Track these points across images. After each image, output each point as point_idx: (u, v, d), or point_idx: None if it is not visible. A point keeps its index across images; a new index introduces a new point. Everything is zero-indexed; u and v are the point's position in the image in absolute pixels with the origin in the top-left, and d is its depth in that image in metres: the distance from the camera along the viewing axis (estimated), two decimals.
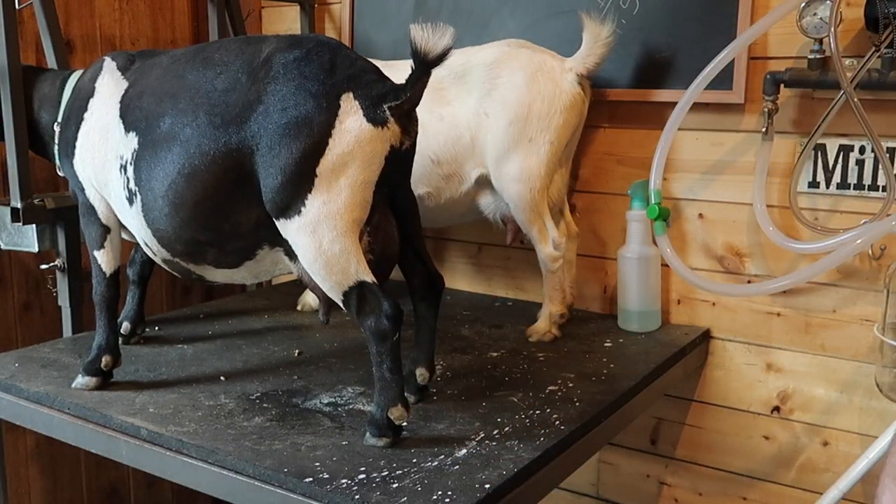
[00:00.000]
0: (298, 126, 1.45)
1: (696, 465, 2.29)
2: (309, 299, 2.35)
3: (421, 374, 1.68)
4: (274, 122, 1.47)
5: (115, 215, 1.77)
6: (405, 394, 1.52)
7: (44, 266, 2.24)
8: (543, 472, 1.48)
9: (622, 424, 1.84)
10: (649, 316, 2.18)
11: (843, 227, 1.97)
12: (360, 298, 1.48)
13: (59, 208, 2.11)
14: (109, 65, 1.79)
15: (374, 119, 1.46)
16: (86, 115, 1.76)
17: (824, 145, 2.01)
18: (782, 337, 2.12)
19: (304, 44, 1.53)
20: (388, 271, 1.61)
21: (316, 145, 1.45)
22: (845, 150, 1.99)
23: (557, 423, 1.60)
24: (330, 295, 1.52)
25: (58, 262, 2.17)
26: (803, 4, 1.88)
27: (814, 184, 2.03)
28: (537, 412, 1.65)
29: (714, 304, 2.20)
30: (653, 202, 2.08)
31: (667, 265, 2.13)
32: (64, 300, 2.20)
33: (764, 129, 2.01)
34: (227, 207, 1.56)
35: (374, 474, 1.39)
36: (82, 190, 1.78)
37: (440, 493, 1.33)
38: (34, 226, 2.10)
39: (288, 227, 1.50)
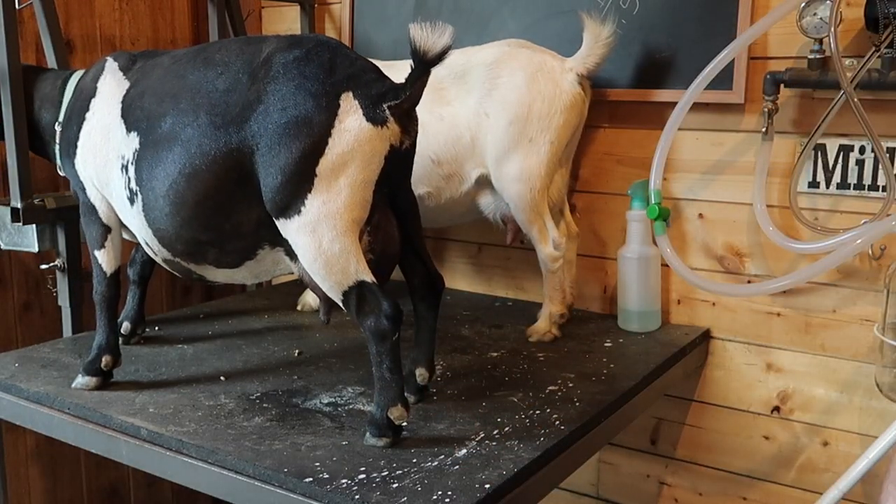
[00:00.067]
0: (298, 125, 1.45)
1: (696, 465, 2.29)
2: (309, 299, 2.35)
3: (421, 374, 1.68)
4: (274, 121, 1.47)
5: (116, 215, 1.77)
6: (405, 394, 1.52)
7: (44, 266, 2.24)
8: (543, 472, 1.48)
9: (622, 424, 1.84)
10: (649, 316, 2.18)
11: (843, 227, 1.97)
12: (360, 298, 1.48)
13: (60, 208, 2.11)
14: (111, 65, 1.79)
15: (374, 118, 1.46)
16: (87, 115, 1.76)
17: (824, 145, 2.01)
18: (782, 337, 2.12)
19: (304, 44, 1.53)
20: (389, 271, 1.61)
21: (315, 145, 1.45)
22: (845, 150, 1.99)
23: (557, 423, 1.60)
24: (329, 295, 1.52)
25: (58, 262, 2.17)
26: (803, 4, 1.88)
27: (814, 184, 2.03)
28: (537, 412, 1.65)
29: (714, 304, 2.20)
30: (653, 202, 2.08)
31: (667, 265, 2.13)
32: (64, 300, 2.20)
33: (764, 129, 2.01)
34: (228, 207, 1.56)
35: (374, 474, 1.39)
36: (83, 190, 1.78)
37: (440, 493, 1.33)
38: (34, 226, 2.10)
39: (288, 227, 1.50)
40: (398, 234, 1.59)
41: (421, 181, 2.04)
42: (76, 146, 1.77)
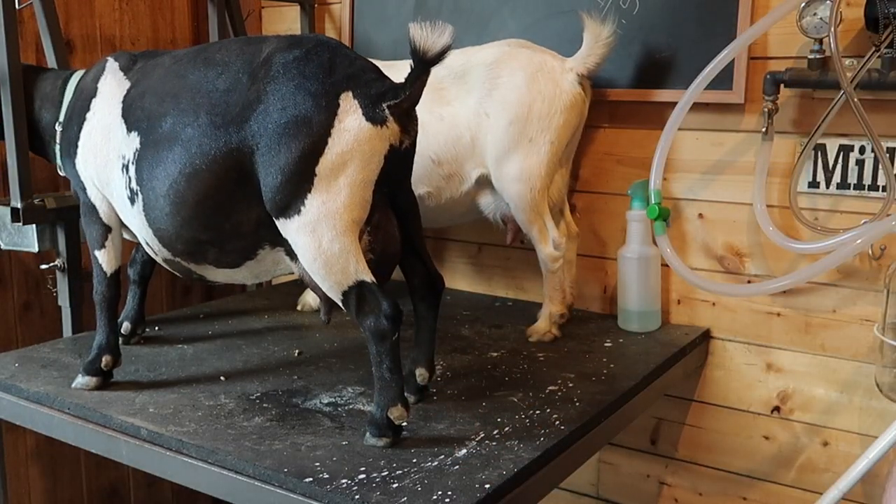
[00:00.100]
0: (298, 125, 1.45)
1: (696, 465, 2.29)
2: (309, 299, 2.35)
3: (421, 374, 1.68)
4: (273, 121, 1.47)
5: (117, 215, 1.77)
6: (405, 394, 1.52)
7: (44, 266, 2.24)
8: (543, 472, 1.48)
9: (622, 424, 1.84)
10: (649, 316, 2.18)
11: (843, 227, 1.97)
12: (360, 298, 1.48)
13: (60, 208, 2.11)
14: (112, 65, 1.79)
15: (374, 118, 1.46)
16: (88, 116, 1.76)
17: (824, 145, 2.01)
18: (782, 337, 2.12)
19: (303, 44, 1.53)
20: (390, 271, 1.61)
21: (315, 144, 1.45)
22: (845, 150, 1.99)
23: (557, 423, 1.60)
24: (329, 294, 1.52)
25: (58, 262, 2.17)
26: (803, 4, 1.88)
27: (814, 184, 2.03)
28: (537, 412, 1.65)
29: (714, 304, 2.20)
30: (653, 202, 2.08)
31: (667, 265, 2.13)
32: (64, 300, 2.20)
33: (764, 129, 2.01)
34: (228, 207, 1.56)
35: (374, 474, 1.39)
36: (84, 190, 1.78)
37: (440, 493, 1.33)
38: (34, 226, 2.10)
39: (288, 227, 1.50)
40: (398, 234, 1.59)
41: (421, 181, 2.04)
42: (77, 146, 1.77)
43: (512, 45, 2.07)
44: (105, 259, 1.80)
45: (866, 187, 1.97)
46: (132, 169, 1.65)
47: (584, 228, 2.32)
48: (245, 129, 1.50)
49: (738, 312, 2.17)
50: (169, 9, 2.69)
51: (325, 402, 1.70)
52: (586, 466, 2.39)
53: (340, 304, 1.52)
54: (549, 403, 1.70)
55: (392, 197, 1.57)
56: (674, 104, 2.04)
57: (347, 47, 1.58)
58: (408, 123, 1.52)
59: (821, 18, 1.87)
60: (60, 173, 1.89)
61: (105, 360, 1.76)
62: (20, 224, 2.04)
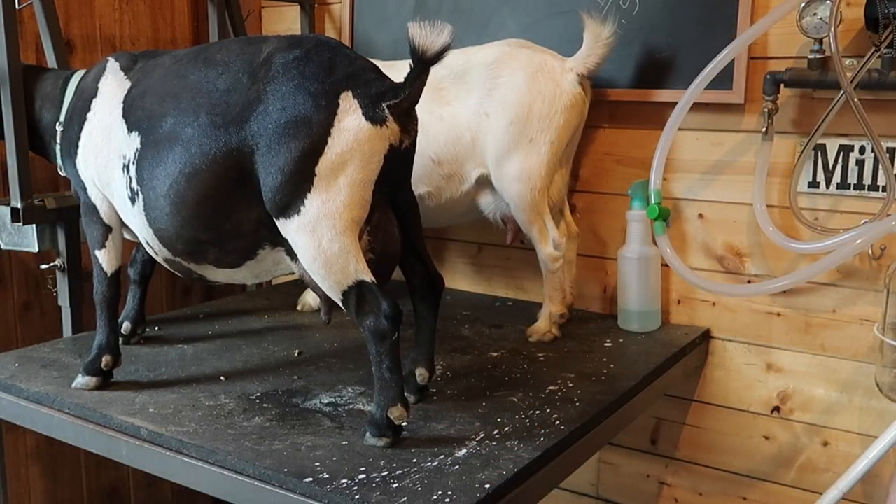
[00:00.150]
0: (297, 125, 1.45)
1: (696, 465, 2.29)
2: (309, 299, 2.35)
3: (421, 374, 1.68)
4: (273, 121, 1.47)
5: (118, 215, 1.77)
6: (405, 394, 1.52)
7: (44, 266, 2.24)
8: (543, 472, 1.48)
9: (622, 424, 1.84)
10: (649, 316, 2.18)
11: (843, 227, 1.97)
12: (359, 298, 1.48)
13: (60, 208, 2.11)
14: (113, 65, 1.80)
15: (373, 117, 1.46)
16: (89, 115, 1.76)
17: (824, 145, 2.01)
18: (782, 337, 2.12)
19: (303, 44, 1.53)
20: (390, 271, 1.61)
21: (315, 144, 1.45)
22: (845, 150, 1.99)
23: (557, 423, 1.60)
24: (329, 294, 1.52)
25: (58, 262, 2.17)
26: (803, 4, 1.88)
27: (814, 184, 2.03)
28: (537, 412, 1.65)
29: (714, 304, 2.20)
30: (653, 202, 2.08)
31: (667, 265, 2.13)
32: (64, 300, 2.20)
33: (764, 129, 2.01)
34: (228, 207, 1.56)
35: (374, 474, 1.39)
36: (84, 189, 1.78)
37: (440, 493, 1.33)
38: (34, 226, 2.10)
39: (288, 227, 1.50)
40: (398, 234, 1.59)
41: (421, 181, 2.04)
42: (77, 146, 1.77)
43: (512, 45, 2.07)
44: (105, 259, 1.80)
45: (866, 187, 1.97)
46: (133, 169, 1.65)
47: (584, 228, 2.32)
48: (245, 129, 1.50)
49: (738, 312, 2.17)
50: (169, 9, 2.69)
51: (325, 402, 1.70)
52: (586, 466, 2.39)
53: (340, 304, 1.52)
54: (549, 403, 1.70)
55: (392, 197, 1.57)
56: (674, 104, 2.04)
57: (347, 47, 1.58)
58: (408, 123, 1.52)
59: (821, 18, 1.87)
60: (61, 173, 1.89)
61: (105, 360, 1.76)
62: (20, 224, 2.04)
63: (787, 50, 2.02)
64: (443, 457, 1.46)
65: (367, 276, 1.47)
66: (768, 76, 1.99)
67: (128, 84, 1.74)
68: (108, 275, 1.80)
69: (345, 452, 1.47)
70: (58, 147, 1.86)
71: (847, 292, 2.03)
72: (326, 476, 1.38)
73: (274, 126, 1.47)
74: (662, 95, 2.15)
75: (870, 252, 1.96)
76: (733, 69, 2.04)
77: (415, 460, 1.44)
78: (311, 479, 1.37)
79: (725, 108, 2.11)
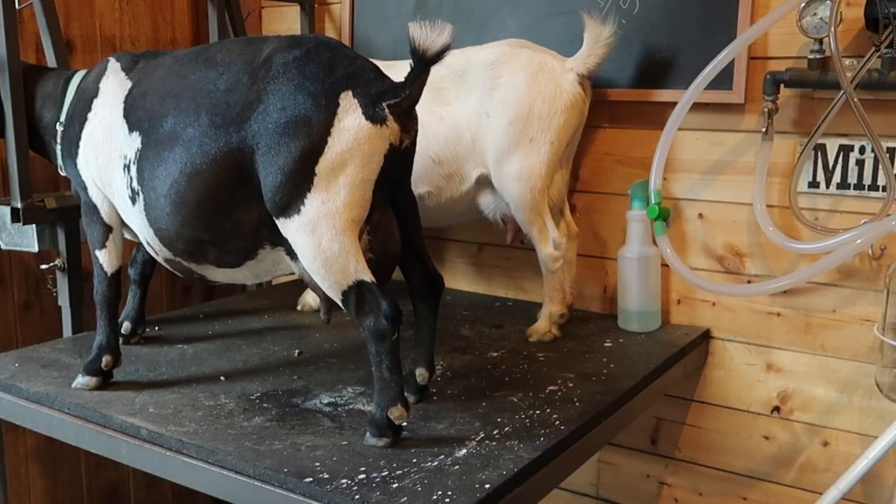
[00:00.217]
0: (297, 125, 1.45)
1: (696, 465, 2.29)
2: (309, 299, 2.35)
3: (421, 374, 1.68)
4: (273, 121, 1.47)
5: (118, 215, 1.78)
6: (405, 394, 1.52)
7: (44, 266, 2.24)
8: (543, 472, 1.48)
9: (622, 424, 1.84)
10: (649, 316, 2.18)
11: (843, 227, 1.97)
12: (359, 298, 1.48)
13: (60, 208, 2.11)
14: (114, 65, 1.80)
15: (373, 117, 1.46)
16: (89, 115, 1.76)
17: (824, 145, 2.01)
18: (782, 337, 2.12)
19: (304, 44, 1.53)
20: (390, 271, 1.61)
21: (315, 144, 1.45)
22: (845, 150, 1.99)
23: (557, 423, 1.60)
24: (329, 294, 1.52)
25: (58, 262, 2.17)
26: (803, 4, 1.88)
27: (814, 184, 2.03)
28: (537, 412, 1.65)
29: (714, 304, 2.20)
30: (653, 202, 2.08)
31: (667, 265, 2.13)
32: (64, 300, 2.20)
33: (764, 129, 2.01)
34: (229, 207, 1.56)
35: (374, 474, 1.39)
36: (85, 189, 1.78)
37: (440, 493, 1.33)
38: (34, 226, 2.10)
39: (288, 226, 1.50)
40: (398, 234, 1.59)
41: (421, 181, 2.04)
42: (78, 146, 1.77)
43: (512, 45, 2.07)
44: (106, 259, 1.80)
45: (866, 187, 1.97)
46: (133, 169, 1.65)
47: (584, 228, 2.32)
48: (245, 128, 1.50)
49: (738, 312, 2.17)
50: (169, 9, 2.69)
51: (325, 402, 1.70)
52: (586, 466, 2.39)
53: (340, 304, 1.52)
54: (549, 403, 1.70)
55: (392, 196, 1.57)
56: (674, 104, 2.04)
57: (347, 47, 1.58)
58: (408, 123, 1.52)
59: (821, 18, 1.87)
60: (61, 173, 1.89)
61: (105, 359, 1.76)
62: (20, 224, 2.04)
63: (787, 50, 2.02)
64: (443, 457, 1.46)
65: (367, 276, 1.47)
66: (768, 76, 1.99)
67: (129, 84, 1.74)
68: (109, 275, 1.80)
69: (345, 452, 1.47)
70: (58, 147, 1.86)
71: (847, 292, 2.03)
72: (326, 476, 1.38)
73: (274, 126, 1.47)
74: (662, 95, 2.15)
75: (870, 252, 1.96)
76: (733, 69, 2.04)
77: (415, 460, 1.44)
78: (311, 479, 1.37)
79: (725, 108, 2.11)
